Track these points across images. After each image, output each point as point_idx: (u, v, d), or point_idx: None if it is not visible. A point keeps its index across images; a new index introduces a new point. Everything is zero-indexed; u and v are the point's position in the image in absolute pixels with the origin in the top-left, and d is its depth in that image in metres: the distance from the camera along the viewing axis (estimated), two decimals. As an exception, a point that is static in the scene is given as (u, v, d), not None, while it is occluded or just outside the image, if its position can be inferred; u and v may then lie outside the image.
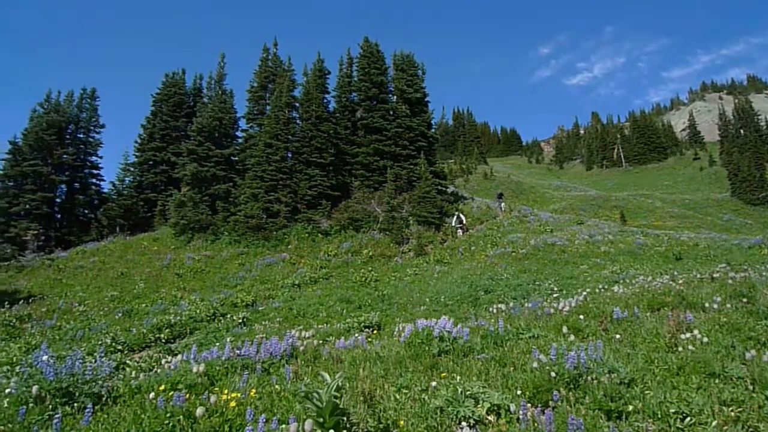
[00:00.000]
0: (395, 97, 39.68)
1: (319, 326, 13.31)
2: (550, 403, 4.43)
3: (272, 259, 27.25)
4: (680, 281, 11.93)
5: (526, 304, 11.45)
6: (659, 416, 4.24)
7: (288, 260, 27.09)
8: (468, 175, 71.09)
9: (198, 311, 17.69)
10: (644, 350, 6.06)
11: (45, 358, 5.43)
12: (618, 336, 6.66)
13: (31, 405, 4.99)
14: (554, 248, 24.73)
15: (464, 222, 31.72)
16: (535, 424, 3.92)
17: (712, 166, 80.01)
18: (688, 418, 4.13)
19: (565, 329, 6.97)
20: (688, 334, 6.15)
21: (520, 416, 4.01)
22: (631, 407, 4.37)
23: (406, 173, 35.24)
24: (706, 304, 8.09)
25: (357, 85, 40.01)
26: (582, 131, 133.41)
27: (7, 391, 5.60)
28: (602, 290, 12.36)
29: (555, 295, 13.82)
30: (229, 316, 17.30)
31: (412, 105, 39.09)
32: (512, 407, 4.29)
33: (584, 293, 11.26)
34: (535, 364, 5.21)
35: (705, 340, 5.97)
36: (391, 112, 38.25)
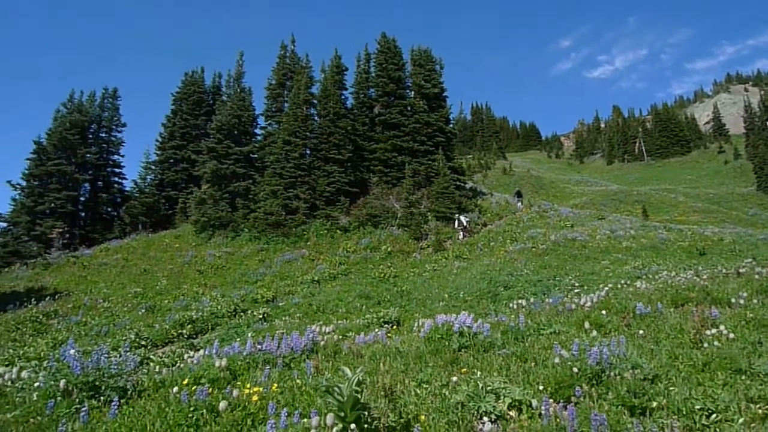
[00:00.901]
0: (413, 92, 39.56)
1: (339, 322, 13.37)
2: (573, 398, 4.38)
3: (291, 256, 27.44)
4: (705, 277, 11.70)
5: (546, 300, 11.34)
6: (684, 413, 4.17)
7: (307, 256, 27.25)
8: (486, 171, 70.62)
9: (219, 307, 17.91)
10: (668, 346, 5.95)
11: (72, 352, 5.55)
12: (641, 332, 6.56)
13: (59, 398, 5.10)
14: (575, 244, 24.44)
15: (466, 224, 30.61)
16: (558, 420, 3.87)
17: (737, 160, 78.23)
18: (714, 415, 4.05)
19: (587, 325, 6.89)
20: (714, 330, 6.03)
21: (542, 412, 3.97)
22: (655, 403, 4.30)
23: (424, 169, 35.13)
24: (732, 300, 7.92)
25: (374, 81, 39.97)
26: (603, 125, 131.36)
27: (36, 384, 5.74)
28: (624, 286, 12.19)
29: (576, 291, 13.67)
30: (249, 311, 17.48)
31: (430, 100, 38.92)
32: (534, 403, 4.26)
33: (606, 289, 11.10)
34: (556, 360, 5.16)
35: (731, 336, 5.84)
36: (409, 108, 38.15)
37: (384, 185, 35.14)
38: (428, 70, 39.94)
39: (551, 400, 4.17)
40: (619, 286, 12.18)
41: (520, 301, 11.62)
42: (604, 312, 7.83)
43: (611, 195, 56.31)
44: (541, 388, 4.63)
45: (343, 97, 38.36)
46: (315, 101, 36.49)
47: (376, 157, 36.49)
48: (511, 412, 4.32)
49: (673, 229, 28.55)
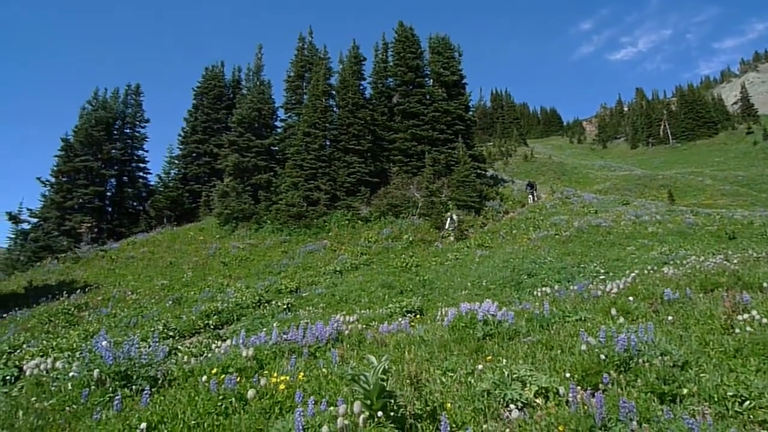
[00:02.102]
0: (431, 80, 39.26)
1: (362, 311, 13.45)
2: (600, 386, 4.35)
3: (314, 246, 27.63)
4: (735, 261, 11.45)
5: (571, 287, 11.22)
6: (716, 399, 4.11)
7: (329, 247, 27.41)
8: (507, 158, 69.94)
9: (244, 298, 18.15)
10: (698, 332, 5.86)
11: (104, 343, 5.70)
12: (670, 318, 6.46)
13: (92, 387, 5.26)
14: (599, 230, 24.09)
15: (457, 223, 28.40)
16: (585, 407, 3.85)
17: (767, 140, 75.93)
18: (747, 402, 3.98)
19: (613, 311, 6.80)
20: (745, 315, 5.90)
21: (570, 399, 3.95)
22: (685, 390, 4.25)
23: (444, 158, 34.92)
24: (764, 285, 7.74)
25: (393, 70, 39.74)
26: (626, 108, 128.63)
27: (70, 374, 5.91)
28: (651, 272, 11.99)
29: (601, 278, 13.50)
30: (273, 302, 17.68)
31: (449, 88, 38.58)
32: (561, 390, 4.24)
33: (632, 275, 10.94)
34: (583, 347, 5.12)
35: (764, 321, 5.71)
36: (428, 96, 37.88)
37: (404, 175, 35.05)
38: (447, 58, 39.55)
39: (578, 388, 4.14)
40: (645, 272, 11.99)
41: (544, 289, 11.52)
42: (631, 298, 7.72)
43: (635, 180, 55.26)
44: (567, 375, 4.60)
45: (361, 87, 38.26)
46: (334, 92, 36.48)
47: (395, 146, 36.39)
48: (537, 400, 4.31)
49: (700, 213, 27.92)
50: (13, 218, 38.24)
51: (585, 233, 23.66)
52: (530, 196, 35.63)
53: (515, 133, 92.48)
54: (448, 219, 28.60)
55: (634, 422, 3.59)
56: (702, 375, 4.55)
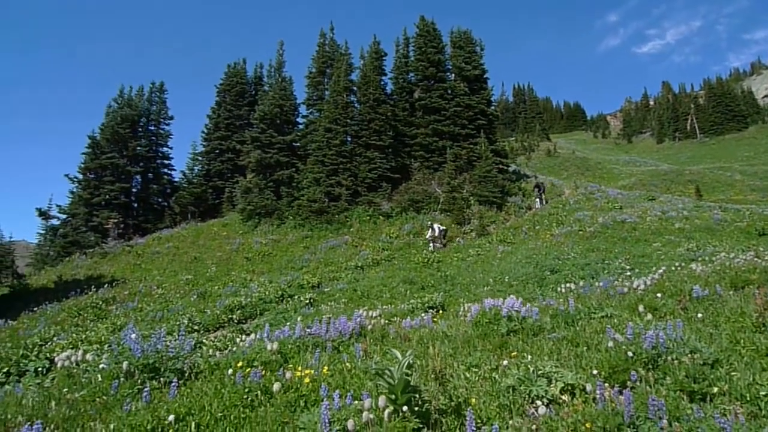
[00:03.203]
0: (453, 75, 39.00)
1: (384, 307, 13.46)
2: (628, 383, 4.28)
3: (335, 242, 27.75)
4: (766, 258, 11.15)
5: (596, 284, 11.06)
6: (748, 399, 4.01)
7: (350, 243, 27.49)
8: (530, 153, 69.20)
9: (267, 293, 18.33)
10: (728, 330, 5.72)
11: (133, 336, 5.81)
12: (699, 315, 6.32)
13: (122, 379, 5.37)
14: (624, 226, 23.68)
15: (438, 233, 25.41)
16: (613, 405, 3.79)
17: (800, 134, 73.70)
18: (781, 401, 3.87)
19: (641, 308, 6.69)
20: (779, 313, 5.74)
21: (597, 396, 3.90)
22: (716, 389, 4.15)
23: (466, 153, 34.71)
24: (798, 282, 7.53)
25: (414, 65, 39.59)
26: (652, 102, 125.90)
27: (100, 366, 6.05)
28: (678, 268, 11.75)
29: (627, 274, 13.28)
30: (296, 297, 17.82)
31: (471, 82, 38.28)
32: (588, 387, 4.18)
33: (659, 271, 10.73)
34: (610, 344, 5.04)
35: (798, 319, 5.55)
36: (449, 91, 37.66)
37: (425, 170, 34.94)
38: (468, 52, 39.23)
39: (606, 385, 4.08)
40: (672, 268, 11.75)
41: (567, 285, 11.39)
42: (658, 295, 7.58)
43: (662, 175, 54.13)
44: (594, 372, 4.54)
45: (382, 82, 38.20)
46: (355, 88, 36.51)
47: (416, 142, 36.28)
48: (563, 397, 4.27)
49: (729, 209, 27.24)
50: (43, 214, 39.26)
51: (609, 229, 23.29)
52: (537, 199, 32.35)
53: (538, 128, 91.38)
54: (429, 230, 25.67)
55: (664, 420, 3.52)
56: (733, 374, 4.44)
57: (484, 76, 39.63)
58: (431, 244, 25.14)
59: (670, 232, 22.11)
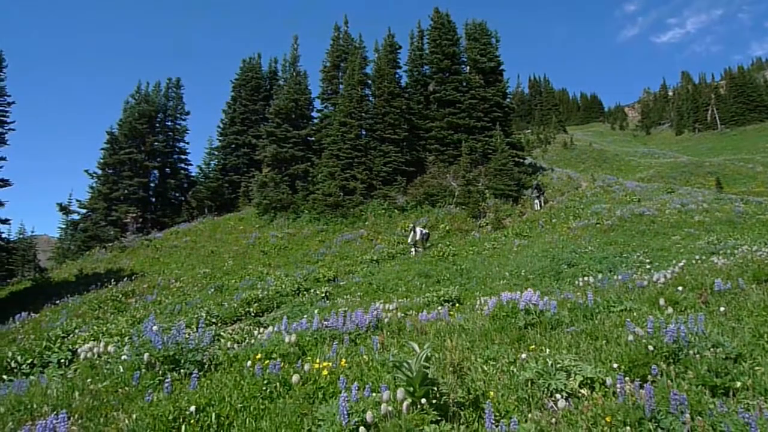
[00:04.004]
0: (468, 67, 38.73)
1: (399, 300, 13.47)
2: (649, 377, 4.24)
3: (350, 236, 27.82)
4: (790, 251, 10.92)
5: (614, 277, 10.94)
6: (772, 393, 3.95)
7: (365, 236, 27.54)
8: (546, 145, 68.56)
9: (283, 286, 18.44)
10: (751, 324, 5.62)
11: (154, 328, 5.90)
12: (722, 309, 6.23)
13: (143, 371, 5.46)
14: (642, 219, 23.39)
15: (419, 237, 23.93)
16: (633, 399, 3.76)
17: (826, 124, 71.89)
18: (807, 397, 3.81)
19: (661, 301, 6.60)
20: (804, 307, 5.63)
21: (617, 390, 3.86)
22: (739, 383, 4.09)
23: (481, 146, 34.49)
24: (823, 275, 7.37)
25: (428, 58, 39.35)
26: (671, 93, 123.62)
27: (122, 357, 6.16)
28: (699, 262, 11.57)
29: (647, 267, 13.12)
30: (312, 290, 17.90)
31: (486, 75, 37.97)
32: (608, 381, 4.15)
33: (680, 264, 10.57)
34: (630, 337, 4.99)
35: (824, 312, 5.44)
36: (464, 84, 37.40)
37: (440, 164, 34.82)
38: (483, 44, 38.88)
39: (626, 379, 4.04)
40: (693, 262, 11.58)
41: (585, 279, 11.28)
42: (679, 288, 7.47)
43: (681, 167, 53.27)
44: (614, 366, 4.50)
45: (397, 75, 38.04)
46: (369, 81, 36.43)
47: (431, 135, 36.14)
48: (582, 390, 4.24)
49: (751, 202, 26.76)
50: (64, 209, 40.01)
51: (627, 222, 23.03)
52: (535, 201, 30.34)
53: (554, 120, 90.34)
54: (411, 232, 24.20)
55: (686, 415, 3.48)
56: (756, 368, 4.37)
57: (500, 68, 39.25)
58: (413, 249, 23.64)
59: (690, 225, 21.79)
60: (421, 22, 41.87)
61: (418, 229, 24.12)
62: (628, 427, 3.44)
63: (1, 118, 28.60)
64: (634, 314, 6.40)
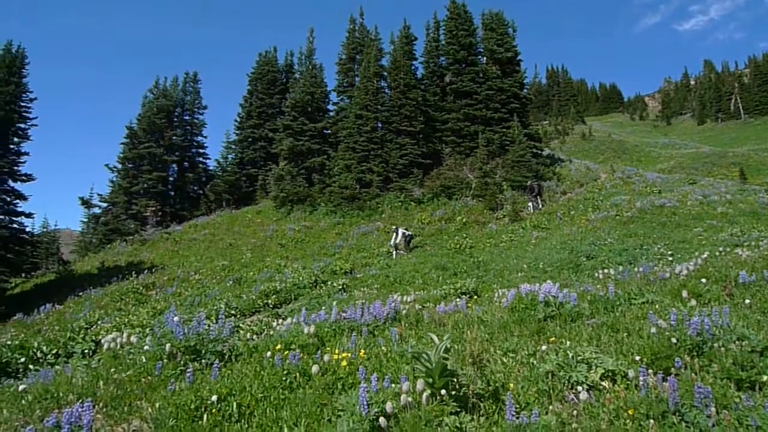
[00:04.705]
0: (485, 58, 38.36)
1: (416, 292, 13.47)
2: (672, 370, 4.17)
3: (367, 228, 27.86)
4: (818, 242, 10.67)
5: (635, 269, 10.80)
6: (800, 387, 3.86)
7: (382, 229, 27.56)
8: (564, 137, 67.77)
9: (301, 278, 18.57)
10: (778, 316, 5.51)
11: (175, 319, 5.98)
12: (747, 301, 6.11)
13: (165, 361, 5.54)
14: (663, 210, 23.01)
15: (401, 239, 22.76)
16: (656, 392, 3.71)
17: None
18: (836, 391, 3.72)
19: (684, 294, 6.50)
20: (832, 299, 5.50)
21: (640, 382, 3.81)
22: (765, 377, 4.01)
23: (498, 137, 34.19)
24: None
25: (445, 49, 39.05)
26: (692, 82, 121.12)
27: (145, 348, 6.26)
28: (722, 254, 11.37)
29: (668, 259, 12.92)
30: (329, 282, 18.00)
31: (503, 65, 37.58)
32: (630, 373, 4.10)
33: (703, 256, 10.39)
34: (652, 330, 4.92)
35: None
36: (481, 75, 37.05)
37: (457, 156, 34.63)
38: (500, 34, 38.45)
39: (649, 371, 3.99)
40: (716, 254, 11.37)
41: (605, 271, 11.15)
42: (702, 281, 7.34)
43: (703, 157, 52.26)
44: (636, 358, 4.44)
45: (413, 67, 37.83)
46: (385, 74, 36.32)
47: (448, 127, 35.92)
48: (604, 383, 4.19)
49: (776, 193, 26.17)
50: (85, 203, 40.73)
51: (648, 214, 22.67)
52: (530, 203, 28.52)
53: (572, 111, 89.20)
54: (393, 234, 23.17)
55: (711, 408, 3.43)
56: (784, 362, 4.28)
57: (517, 58, 38.80)
58: (394, 252, 22.43)
59: (713, 217, 21.38)
60: (437, 13, 41.64)
61: (400, 231, 23.21)
62: (651, 420, 3.39)
63: (24, 114, 29.17)
64: (656, 306, 6.31)
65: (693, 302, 6.18)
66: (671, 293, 6.99)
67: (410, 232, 24.14)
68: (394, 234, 23.11)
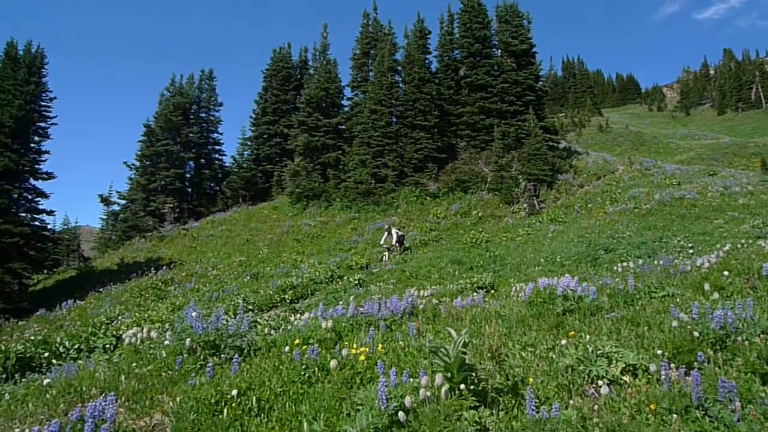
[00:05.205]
0: (499, 51, 37.99)
1: (432, 287, 13.44)
2: (695, 364, 4.11)
3: (382, 223, 27.85)
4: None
5: (654, 262, 10.65)
6: (827, 382, 3.78)
7: (397, 224, 27.52)
8: (581, 129, 66.90)
9: (317, 274, 18.65)
10: (804, 309, 5.39)
11: (194, 314, 6.04)
12: (771, 293, 5.99)
13: (185, 355, 5.60)
14: (683, 202, 22.68)
15: (397, 238, 21.48)
16: (679, 386, 3.66)
17: None
18: None
19: (706, 287, 6.39)
20: None
21: (662, 377, 3.76)
22: (792, 372, 3.93)
23: (513, 130, 33.88)
24: None
25: (459, 43, 38.79)
26: (712, 72, 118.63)
27: (165, 343, 6.34)
28: (744, 246, 11.15)
29: (689, 252, 12.72)
30: (345, 277, 18.05)
31: (518, 58, 37.18)
32: (651, 368, 4.04)
33: (725, 249, 10.20)
34: (674, 323, 4.84)
35: None
36: (496, 67, 36.75)
37: (472, 149, 34.44)
38: (515, 26, 38.04)
39: (672, 365, 3.93)
40: (738, 246, 11.16)
41: (624, 264, 11.01)
42: (725, 273, 7.21)
43: (723, 148, 51.23)
44: (658, 352, 4.38)
45: (427, 61, 37.63)
46: (399, 68, 36.21)
47: (462, 121, 35.70)
48: (624, 377, 4.15)
49: (800, 183, 25.62)
50: (105, 200, 41.36)
51: (667, 206, 22.37)
52: (525, 204, 27.01)
53: (589, 103, 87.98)
54: (385, 233, 21.89)
55: (736, 403, 3.37)
56: (811, 356, 4.19)
57: (532, 50, 38.36)
58: (386, 254, 21.16)
59: (734, 209, 21.02)
60: (451, 6, 41.34)
61: (393, 231, 21.80)
62: (674, 415, 3.35)
63: (44, 113, 29.64)
64: (677, 300, 6.22)
65: (715, 295, 6.08)
66: (692, 286, 6.88)
67: (402, 232, 22.58)
68: (386, 234, 21.77)
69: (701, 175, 30.59)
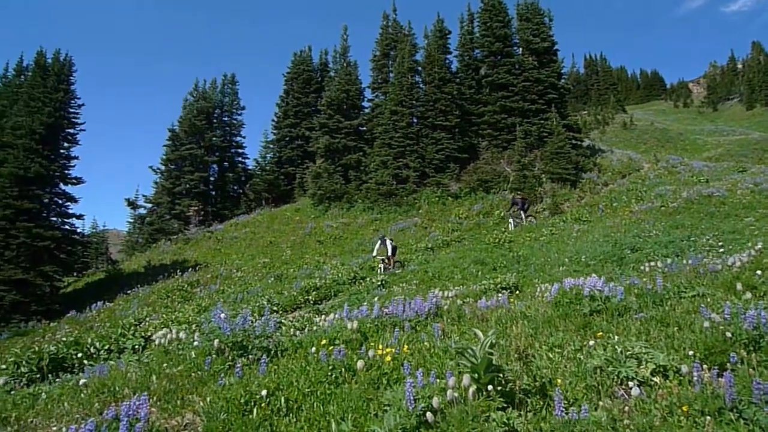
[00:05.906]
0: (521, 49, 37.68)
1: (456, 288, 13.39)
2: (727, 365, 4.03)
3: (404, 224, 27.88)
4: None
5: (683, 262, 10.44)
6: None
7: (419, 224, 27.52)
8: (604, 126, 65.90)
9: (340, 275, 18.75)
10: (841, 309, 5.24)
11: (222, 315, 6.14)
12: (807, 293, 5.84)
13: (213, 356, 5.70)
14: (711, 200, 22.15)
15: (391, 251, 19.69)
16: (711, 387, 3.59)
17: None
18: None
19: (738, 286, 6.25)
20: None
21: (694, 378, 3.70)
22: (829, 373, 3.84)
23: (536, 129, 33.55)
24: None
25: (479, 42, 38.59)
26: (740, 66, 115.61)
27: (194, 344, 6.46)
28: (777, 244, 10.84)
29: (719, 251, 12.44)
30: (368, 279, 18.10)
31: (540, 56, 36.80)
32: (683, 369, 3.98)
33: (757, 247, 9.94)
34: (705, 324, 4.75)
35: None
36: (517, 66, 36.44)
37: (494, 149, 34.21)
38: (536, 24, 37.66)
39: (705, 367, 3.86)
40: (770, 244, 10.86)
41: (651, 264, 10.81)
42: (758, 272, 7.04)
43: (753, 144, 49.96)
44: (690, 353, 4.31)
45: (447, 61, 37.54)
46: (419, 68, 36.19)
47: (484, 120, 35.49)
48: (655, 378, 4.09)
49: (834, 180, 24.80)
50: (131, 204, 42.25)
51: (695, 204, 21.88)
52: (511, 220, 24.75)
53: (612, 100, 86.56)
54: (378, 243, 20.12)
55: (772, 405, 3.30)
56: None
57: (554, 48, 37.93)
58: (381, 265, 19.43)
59: (765, 206, 20.45)
60: (471, 5, 41.17)
61: (388, 241, 20.00)
62: (707, 417, 3.29)
63: (73, 119, 30.43)
64: (708, 300, 6.10)
65: (748, 295, 5.94)
66: (723, 286, 6.74)
67: (395, 244, 20.64)
68: (379, 243, 19.95)
69: (730, 172, 29.85)
